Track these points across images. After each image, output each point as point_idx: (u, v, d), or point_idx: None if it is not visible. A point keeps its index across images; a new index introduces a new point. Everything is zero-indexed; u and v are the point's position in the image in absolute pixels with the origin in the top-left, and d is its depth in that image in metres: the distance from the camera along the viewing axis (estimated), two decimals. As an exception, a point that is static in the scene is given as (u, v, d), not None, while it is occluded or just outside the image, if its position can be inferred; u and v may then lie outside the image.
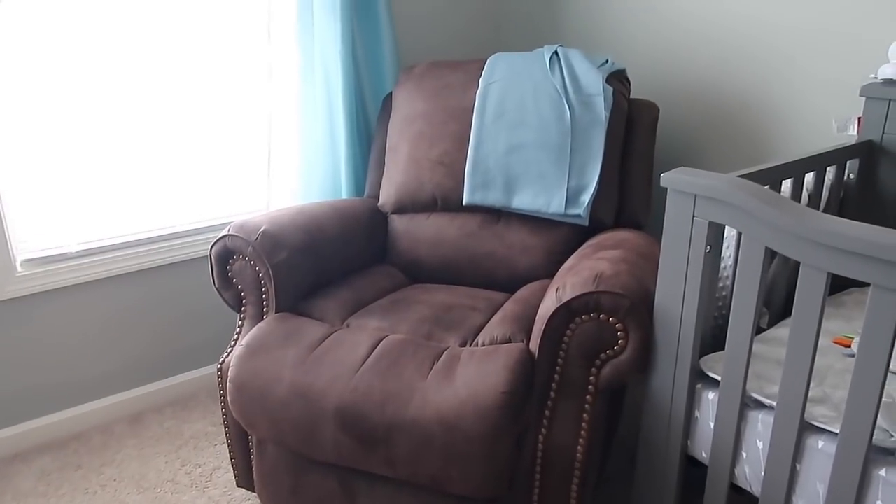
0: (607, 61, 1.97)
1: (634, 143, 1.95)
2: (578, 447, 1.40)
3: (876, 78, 1.69)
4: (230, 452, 1.74)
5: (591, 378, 1.41)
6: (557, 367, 1.43)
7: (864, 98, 1.73)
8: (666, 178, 1.29)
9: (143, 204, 2.12)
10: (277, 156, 2.19)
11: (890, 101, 1.68)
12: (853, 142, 1.73)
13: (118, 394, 2.20)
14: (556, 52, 1.97)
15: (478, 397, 1.35)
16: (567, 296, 1.37)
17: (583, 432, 1.40)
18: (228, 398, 1.55)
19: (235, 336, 1.74)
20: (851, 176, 1.76)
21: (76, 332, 2.08)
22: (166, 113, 2.10)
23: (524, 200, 1.86)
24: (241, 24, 2.16)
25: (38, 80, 1.86)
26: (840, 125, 1.81)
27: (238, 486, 1.78)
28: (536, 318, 1.47)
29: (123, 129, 2.03)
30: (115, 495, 1.85)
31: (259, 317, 1.73)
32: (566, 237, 1.88)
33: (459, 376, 1.40)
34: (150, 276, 2.17)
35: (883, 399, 1.19)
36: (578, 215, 1.82)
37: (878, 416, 1.12)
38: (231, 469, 1.93)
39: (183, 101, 2.12)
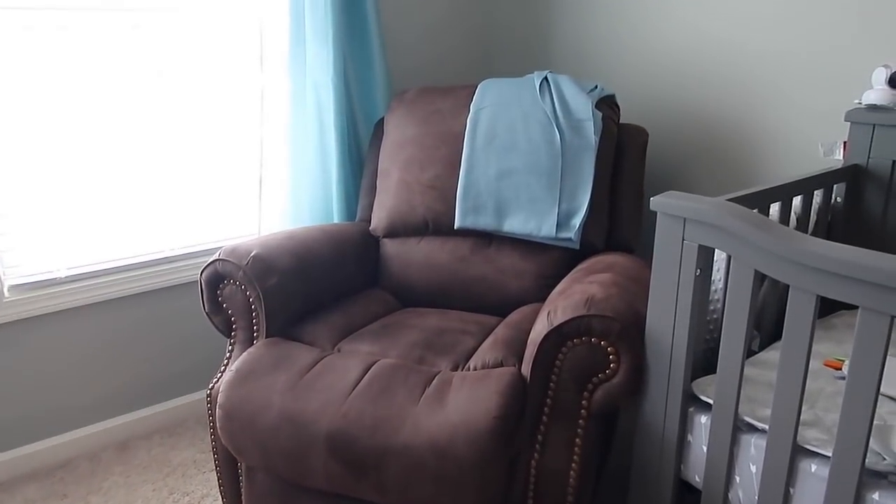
0: (597, 87, 1.99)
1: (624, 167, 1.97)
2: (571, 472, 1.39)
3: (860, 103, 1.72)
4: (219, 480, 1.71)
5: (584, 402, 1.40)
6: (549, 392, 1.42)
7: (849, 123, 1.76)
8: (656, 202, 1.30)
9: (132, 229, 2.12)
10: (269, 181, 2.20)
11: (874, 125, 1.70)
12: (839, 166, 1.75)
13: (105, 421, 2.17)
14: (545, 78, 1.99)
15: (469, 423, 1.34)
16: (559, 319, 1.37)
17: (575, 457, 1.40)
18: (217, 424, 1.53)
19: (225, 361, 1.73)
20: (838, 199, 1.78)
21: (64, 358, 2.06)
22: (157, 138, 2.10)
23: (515, 224, 1.87)
24: (233, 50, 2.18)
25: (27, 104, 1.87)
26: (826, 149, 1.83)
27: (227, 515, 1.75)
28: (528, 341, 1.47)
29: (114, 153, 2.03)
30: (101, 525, 1.82)
31: (249, 342, 1.71)
32: (557, 261, 1.88)
33: (451, 401, 1.40)
34: (140, 301, 2.16)
35: (875, 422, 1.19)
36: (569, 239, 1.83)
37: (871, 439, 1.12)
38: (220, 497, 1.90)
39: (174, 126, 2.12)
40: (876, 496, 1.08)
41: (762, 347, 1.63)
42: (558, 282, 1.73)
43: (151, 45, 2.03)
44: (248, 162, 2.29)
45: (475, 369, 1.52)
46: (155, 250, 2.17)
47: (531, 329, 1.50)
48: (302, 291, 1.77)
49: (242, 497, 1.66)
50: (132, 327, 2.16)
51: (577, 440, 1.40)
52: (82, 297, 2.03)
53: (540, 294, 1.86)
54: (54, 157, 1.94)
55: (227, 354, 1.74)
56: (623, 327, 1.34)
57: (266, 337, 1.68)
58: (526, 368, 1.44)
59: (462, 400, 1.39)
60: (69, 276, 2.01)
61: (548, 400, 1.42)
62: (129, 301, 2.14)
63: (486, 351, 1.57)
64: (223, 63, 2.17)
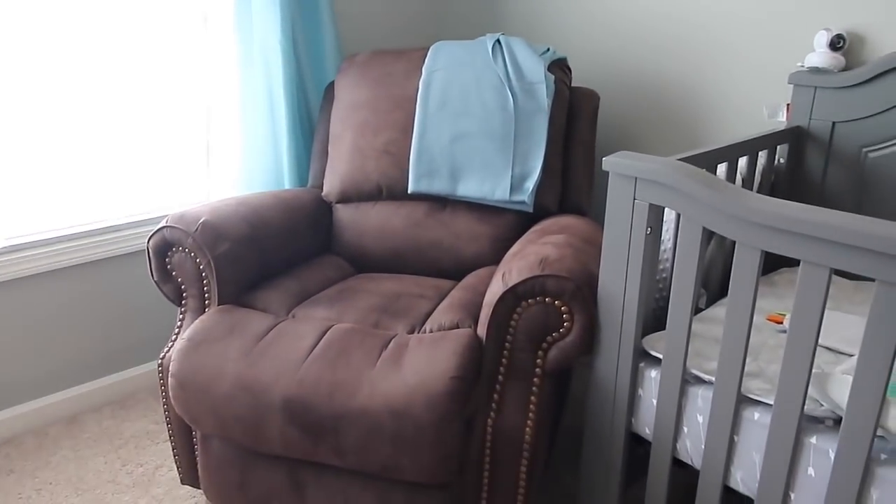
0: (549, 50, 1.99)
1: (576, 130, 1.98)
2: (527, 429, 1.42)
3: (803, 66, 1.77)
4: (173, 449, 1.69)
5: (538, 361, 1.43)
6: (505, 352, 1.44)
7: (792, 85, 1.80)
8: (608, 162, 1.32)
9: (76, 197, 2.04)
10: (217, 146, 2.14)
11: (816, 88, 1.75)
12: (783, 128, 1.80)
13: (53, 394, 2.11)
14: (498, 41, 1.98)
15: (427, 384, 1.35)
16: (513, 280, 1.39)
17: (531, 415, 1.42)
18: (170, 394, 1.51)
19: (176, 330, 1.69)
20: (781, 160, 1.83)
21: (6, 331, 1.98)
22: (101, 102, 2.02)
23: (469, 188, 1.87)
24: (177, 11, 2.10)
25: (-44, 66, 1.77)
26: (770, 112, 1.88)
27: (182, 484, 1.73)
28: (483, 303, 1.48)
29: (55, 118, 1.95)
30: (52, 499, 1.78)
31: (201, 310, 1.68)
32: (512, 224, 1.89)
33: (408, 363, 1.40)
34: (85, 271, 2.09)
35: (813, 371, 1.24)
36: (523, 202, 1.84)
37: (809, 387, 1.17)
38: (175, 466, 1.88)
39: (118, 90, 2.04)
40: (814, 440, 1.14)
41: (709, 305, 1.68)
42: (513, 244, 1.74)
43: (91, 5, 1.93)
44: (195, 127, 2.23)
45: (431, 331, 1.53)
46: (100, 219, 2.10)
47: (487, 291, 1.51)
48: (254, 258, 1.74)
49: (198, 465, 1.64)
50: (77, 298, 2.10)
51: (533, 398, 1.43)
52: (23, 268, 1.96)
53: (495, 257, 1.87)
54: (-14, 121, 1.84)
55: (178, 323, 1.70)
56: (576, 287, 1.36)
57: (218, 305, 1.65)
58: (481, 329, 1.45)
59: (419, 362, 1.40)
60: (8, 247, 1.93)
61: (503, 360, 1.44)
62: (74, 271, 2.07)
63: (442, 313, 1.58)
64: (167, 24, 2.09)
